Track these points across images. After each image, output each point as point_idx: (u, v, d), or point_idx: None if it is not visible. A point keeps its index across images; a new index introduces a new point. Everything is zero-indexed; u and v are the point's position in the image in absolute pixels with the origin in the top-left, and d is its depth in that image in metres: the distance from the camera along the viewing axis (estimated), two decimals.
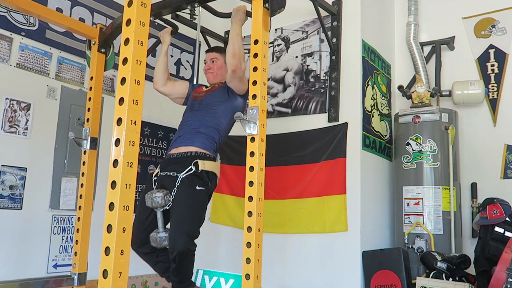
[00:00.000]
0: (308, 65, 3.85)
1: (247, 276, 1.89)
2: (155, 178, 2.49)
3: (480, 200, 3.60)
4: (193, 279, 2.41)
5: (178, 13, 3.55)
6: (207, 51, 2.85)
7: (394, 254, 3.34)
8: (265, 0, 2.03)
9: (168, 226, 2.39)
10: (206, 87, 2.80)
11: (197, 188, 2.34)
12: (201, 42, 4.17)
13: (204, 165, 2.38)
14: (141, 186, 3.88)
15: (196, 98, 2.70)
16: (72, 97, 3.42)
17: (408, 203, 3.60)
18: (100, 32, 2.85)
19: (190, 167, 2.35)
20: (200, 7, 2.85)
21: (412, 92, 3.84)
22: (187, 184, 2.33)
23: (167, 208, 2.32)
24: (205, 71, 2.77)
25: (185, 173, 2.34)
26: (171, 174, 2.37)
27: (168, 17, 3.60)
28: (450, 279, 2.95)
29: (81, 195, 2.73)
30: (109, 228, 1.30)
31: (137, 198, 2.50)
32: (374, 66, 3.81)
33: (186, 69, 4.47)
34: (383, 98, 3.97)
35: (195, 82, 3.41)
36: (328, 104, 3.63)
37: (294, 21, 3.95)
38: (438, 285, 2.93)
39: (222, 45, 4.44)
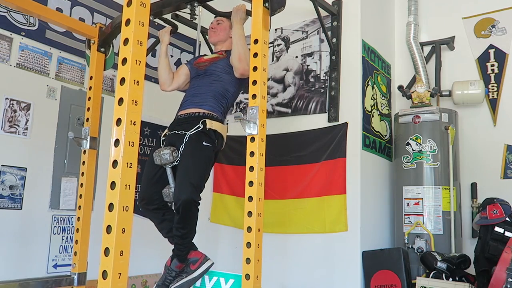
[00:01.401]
0: (308, 65, 3.84)
1: (247, 276, 1.89)
2: (163, 138, 2.53)
3: (480, 200, 3.59)
4: None
5: (178, 12, 3.55)
6: (215, 17, 2.89)
7: (394, 254, 3.33)
8: (265, 0, 2.03)
9: None
10: (206, 55, 2.81)
11: (204, 143, 2.38)
12: (201, 42, 4.17)
13: (212, 124, 2.43)
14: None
15: (200, 67, 2.69)
16: (72, 97, 3.42)
17: (408, 203, 3.60)
18: (100, 32, 2.85)
19: (198, 125, 2.40)
20: (200, 6, 2.85)
21: (412, 92, 3.83)
22: (194, 140, 2.38)
23: (176, 164, 2.37)
24: (209, 30, 2.82)
25: (193, 131, 2.39)
26: (179, 132, 2.42)
27: (168, 16, 3.61)
28: (450, 279, 2.95)
29: (80, 195, 2.73)
30: (109, 229, 1.30)
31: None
32: (374, 66, 3.81)
33: None
34: (383, 98, 3.97)
35: None
36: (328, 104, 3.63)
37: (294, 21, 3.95)
38: (438, 285, 2.93)
39: None
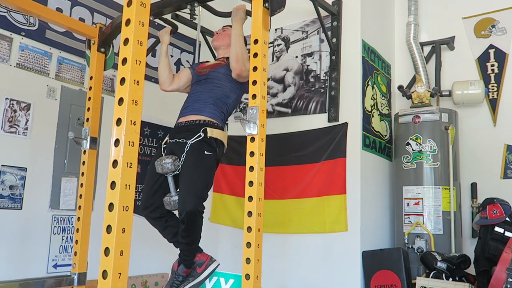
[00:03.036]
0: (308, 65, 3.84)
1: (247, 276, 1.89)
2: (165, 145, 2.53)
3: (480, 200, 3.60)
4: None
5: (178, 12, 3.55)
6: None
7: (394, 254, 3.33)
8: (265, 0, 2.03)
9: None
10: (208, 62, 2.83)
11: (206, 153, 2.38)
12: (201, 42, 4.17)
13: (213, 132, 2.43)
14: (140, 186, 3.90)
15: (201, 72, 2.69)
16: (72, 97, 3.42)
17: (408, 203, 3.60)
18: (100, 32, 2.85)
19: (199, 133, 2.40)
20: (200, 6, 2.85)
21: (412, 92, 3.84)
22: (196, 150, 2.38)
23: (177, 173, 2.38)
24: (214, 34, 2.86)
25: (194, 139, 2.39)
26: (180, 140, 2.43)
27: (168, 16, 3.61)
28: (450, 279, 2.95)
29: (80, 195, 2.73)
30: (109, 228, 1.30)
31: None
32: (374, 66, 3.81)
33: None
34: (383, 98, 3.97)
35: None
36: (328, 104, 3.63)
37: (294, 21, 3.95)
38: (438, 285, 2.93)
39: None
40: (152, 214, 2.46)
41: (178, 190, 2.42)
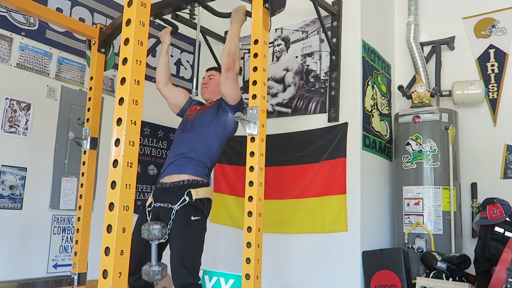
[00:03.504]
0: (308, 65, 3.84)
1: (247, 276, 1.89)
2: (149, 208, 2.42)
3: (480, 200, 3.60)
4: None
5: (178, 13, 3.55)
6: (207, 70, 2.87)
7: (394, 254, 3.34)
8: (265, 0, 2.03)
9: (162, 259, 2.32)
10: (200, 104, 2.79)
11: (193, 218, 2.30)
12: (201, 42, 4.17)
13: (198, 193, 2.35)
14: (140, 186, 3.91)
15: (188, 116, 2.67)
16: (72, 97, 3.42)
17: (408, 203, 3.60)
18: (100, 32, 2.85)
19: (183, 197, 2.31)
20: (200, 7, 2.85)
21: (412, 92, 3.84)
22: (182, 216, 2.29)
23: (163, 241, 2.24)
24: (202, 86, 2.78)
25: (179, 204, 2.31)
26: (165, 205, 2.34)
27: (168, 17, 3.61)
28: (450, 279, 2.95)
29: (81, 195, 2.73)
30: (109, 228, 1.30)
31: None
32: (374, 66, 3.81)
33: (186, 69, 4.47)
34: (383, 98, 3.97)
35: (194, 83, 3.40)
36: (328, 104, 3.63)
37: (294, 21, 3.95)
38: (438, 285, 2.93)
39: (221, 45, 4.44)
40: (136, 283, 2.32)
41: (161, 259, 2.29)
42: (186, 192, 2.32)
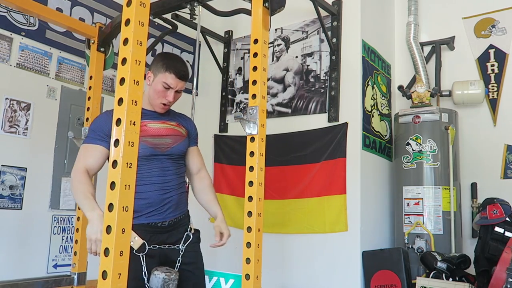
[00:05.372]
0: (308, 65, 3.84)
1: (247, 276, 1.89)
2: (142, 254, 1.92)
3: (480, 200, 3.59)
4: None
5: (178, 12, 3.55)
6: (178, 76, 2.03)
7: (394, 254, 3.33)
8: (264, 0, 2.03)
9: None
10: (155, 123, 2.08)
11: (200, 251, 2.19)
12: (201, 42, 4.17)
13: (192, 224, 2.19)
14: None
15: (158, 146, 2.02)
16: (72, 97, 3.42)
17: (408, 203, 3.60)
18: (99, 31, 2.85)
19: (187, 233, 2.11)
20: (200, 6, 2.85)
21: (412, 92, 3.83)
22: (193, 254, 2.12)
23: None
24: (161, 99, 2.03)
25: (187, 244, 2.09)
26: (175, 247, 2.05)
27: (168, 16, 3.61)
28: (450, 279, 2.95)
29: None
30: (109, 229, 1.30)
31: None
32: (374, 66, 3.81)
33: None
34: (383, 98, 3.97)
35: (194, 83, 3.38)
36: (328, 104, 3.63)
37: (294, 21, 3.95)
38: (438, 285, 2.92)
39: (221, 45, 4.45)
40: None
41: None
42: (187, 229, 2.15)
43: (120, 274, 1.28)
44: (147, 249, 1.91)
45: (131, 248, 1.68)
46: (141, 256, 1.89)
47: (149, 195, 1.98)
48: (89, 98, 2.82)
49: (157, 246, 1.97)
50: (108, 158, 1.88)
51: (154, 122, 2.06)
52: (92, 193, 1.85)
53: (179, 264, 2.02)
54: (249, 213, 1.93)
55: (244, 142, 2.01)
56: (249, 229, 1.92)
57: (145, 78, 1.98)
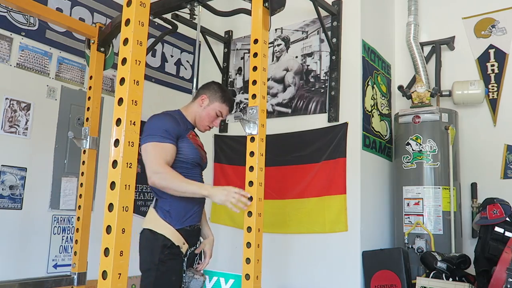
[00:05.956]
0: (308, 65, 3.84)
1: (247, 276, 1.89)
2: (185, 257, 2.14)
3: (480, 200, 3.59)
4: None
5: (178, 12, 3.55)
6: (231, 110, 2.34)
7: (394, 254, 3.33)
8: (265, 0, 2.03)
9: None
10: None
11: None
12: (201, 42, 4.17)
13: None
14: (140, 186, 3.90)
15: (203, 157, 2.27)
16: (72, 97, 3.42)
17: (408, 203, 3.60)
18: (100, 31, 2.85)
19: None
20: (200, 6, 2.85)
21: (412, 92, 3.83)
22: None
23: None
24: (210, 123, 2.29)
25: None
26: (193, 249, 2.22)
27: (168, 16, 3.61)
28: (450, 279, 2.95)
29: (80, 195, 2.73)
30: (109, 229, 1.30)
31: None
32: (374, 66, 3.81)
33: (186, 69, 4.46)
34: (383, 98, 3.97)
35: (194, 83, 3.39)
36: (328, 104, 3.63)
37: (294, 21, 3.95)
38: (438, 285, 2.92)
39: (221, 45, 4.45)
40: None
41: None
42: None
43: (120, 274, 1.28)
44: (188, 253, 2.12)
45: (180, 253, 2.07)
46: (185, 260, 2.11)
47: (193, 199, 2.15)
48: (89, 98, 2.82)
49: (191, 249, 2.17)
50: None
51: (196, 136, 2.30)
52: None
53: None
54: (249, 213, 1.93)
55: (244, 142, 2.01)
56: (249, 229, 1.92)
57: (196, 98, 2.31)
